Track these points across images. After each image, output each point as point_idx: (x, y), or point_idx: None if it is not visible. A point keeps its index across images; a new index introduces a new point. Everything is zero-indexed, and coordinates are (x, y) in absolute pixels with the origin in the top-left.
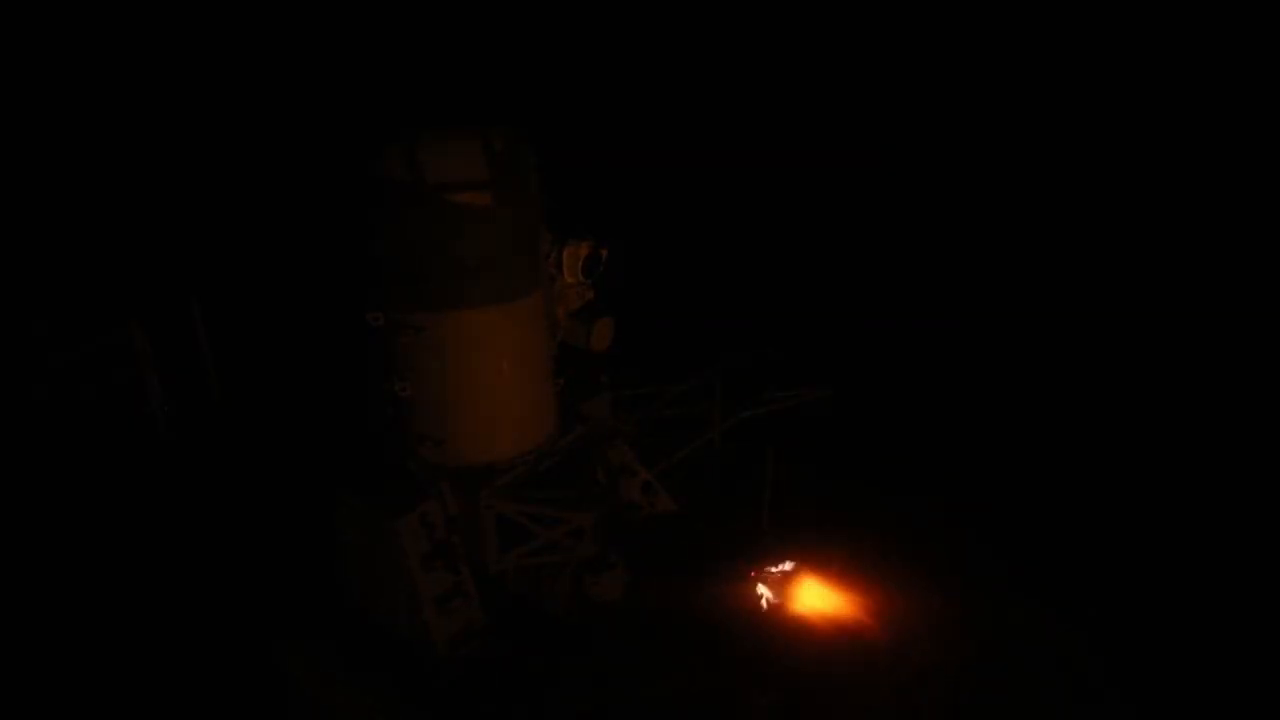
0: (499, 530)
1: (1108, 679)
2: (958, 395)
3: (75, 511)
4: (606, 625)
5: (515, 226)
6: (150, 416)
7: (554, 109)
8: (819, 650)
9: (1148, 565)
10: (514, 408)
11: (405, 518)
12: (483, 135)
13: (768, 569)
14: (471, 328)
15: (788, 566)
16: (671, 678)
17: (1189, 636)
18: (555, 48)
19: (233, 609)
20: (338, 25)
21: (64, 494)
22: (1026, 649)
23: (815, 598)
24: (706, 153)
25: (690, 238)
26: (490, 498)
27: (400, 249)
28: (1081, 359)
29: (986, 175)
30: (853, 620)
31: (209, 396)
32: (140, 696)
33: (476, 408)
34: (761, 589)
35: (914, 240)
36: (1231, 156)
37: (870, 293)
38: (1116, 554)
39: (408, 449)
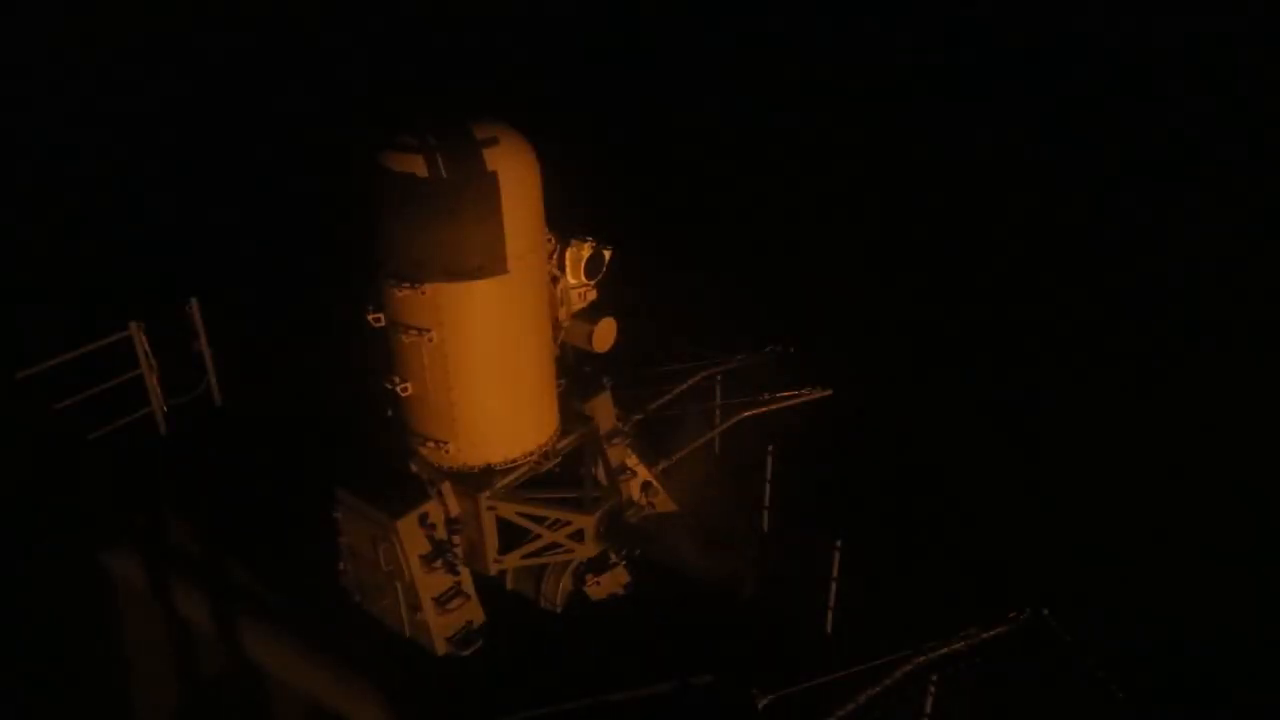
0: (499, 530)
1: (1101, 679)
2: (956, 395)
3: (76, 509)
4: (607, 624)
5: (468, 210)
6: (150, 416)
7: (556, 108)
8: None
9: (1143, 566)
10: (510, 406)
11: (405, 518)
12: (436, 131)
13: None
14: (450, 300)
15: None
16: (670, 677)
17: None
18: (556, 50)
19: (228, 607)
20: (324, 29)
21: (65, 493)
22: (1023, 649)
23: None
24: (704, 151)
25: (690, 237)
26: (491, 499)
27: (379, 232)
28: (1079, 359)
29: (987, 174)
30: None
31: (209, 396)
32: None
33: (471, 405)
34: None
35: (913, 239)
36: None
37: (870, 292)
38: (1116, 555)
39: (410, 449)
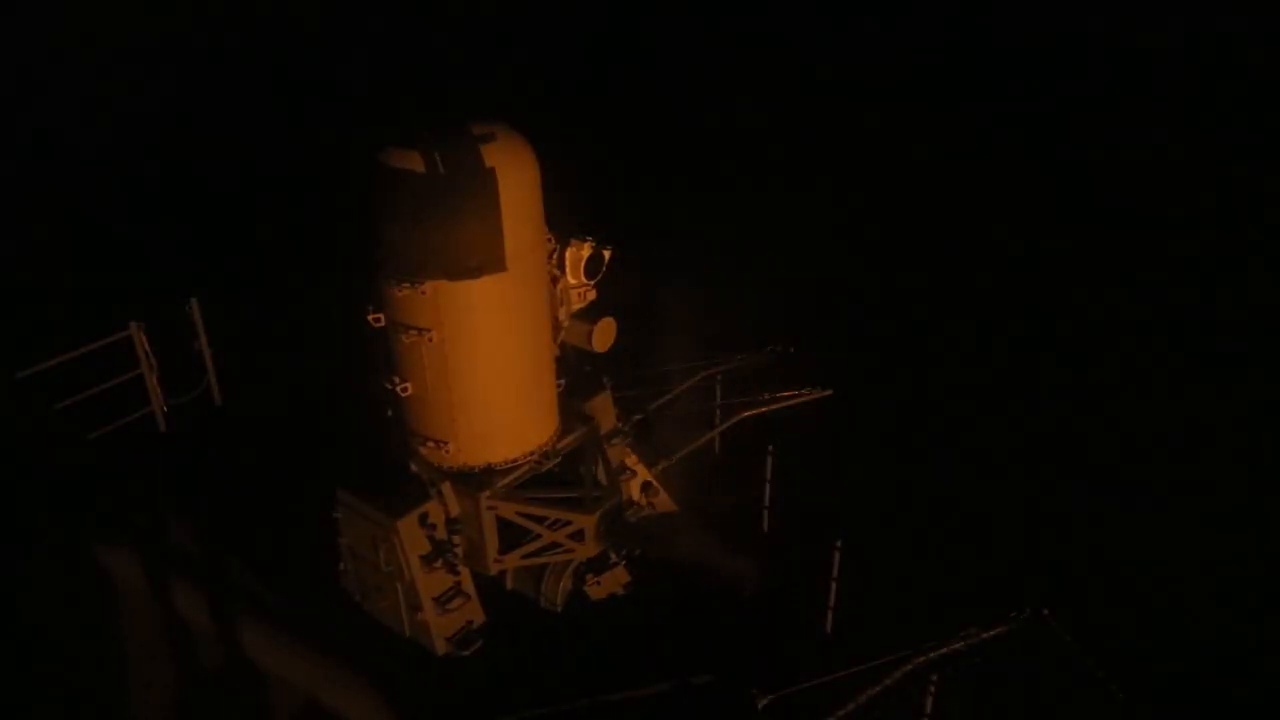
0: (500, 529)
1: (1101, 679)
2: (956, 395)
3: (77, 509)
4: (607, 624)
5: (466, 207)
6: (150, 416)
7: (556, 108)
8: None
9: (1143, 566)
10: (510, 406)
11: (405, 518)
12: (434, 129)
13: None
14: (449, 299)
15: None
16: (670, 676)
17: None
18: (556, 50)
19: (228, 608)
20: (316, 30)
21: (65, 493)
22: (1023, 649)
23: None
24: (705, 151)
25: (690, 237)
26: (491, 499)
27: (379, 232)
28: (1079, 358)
29: (987, 174)
30: None
31: (209, 396)
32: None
33: (471, 405)
34: None
35: (913, 239)
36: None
37: (870, 292)
38: (1116, 555)
39: (410, 449)
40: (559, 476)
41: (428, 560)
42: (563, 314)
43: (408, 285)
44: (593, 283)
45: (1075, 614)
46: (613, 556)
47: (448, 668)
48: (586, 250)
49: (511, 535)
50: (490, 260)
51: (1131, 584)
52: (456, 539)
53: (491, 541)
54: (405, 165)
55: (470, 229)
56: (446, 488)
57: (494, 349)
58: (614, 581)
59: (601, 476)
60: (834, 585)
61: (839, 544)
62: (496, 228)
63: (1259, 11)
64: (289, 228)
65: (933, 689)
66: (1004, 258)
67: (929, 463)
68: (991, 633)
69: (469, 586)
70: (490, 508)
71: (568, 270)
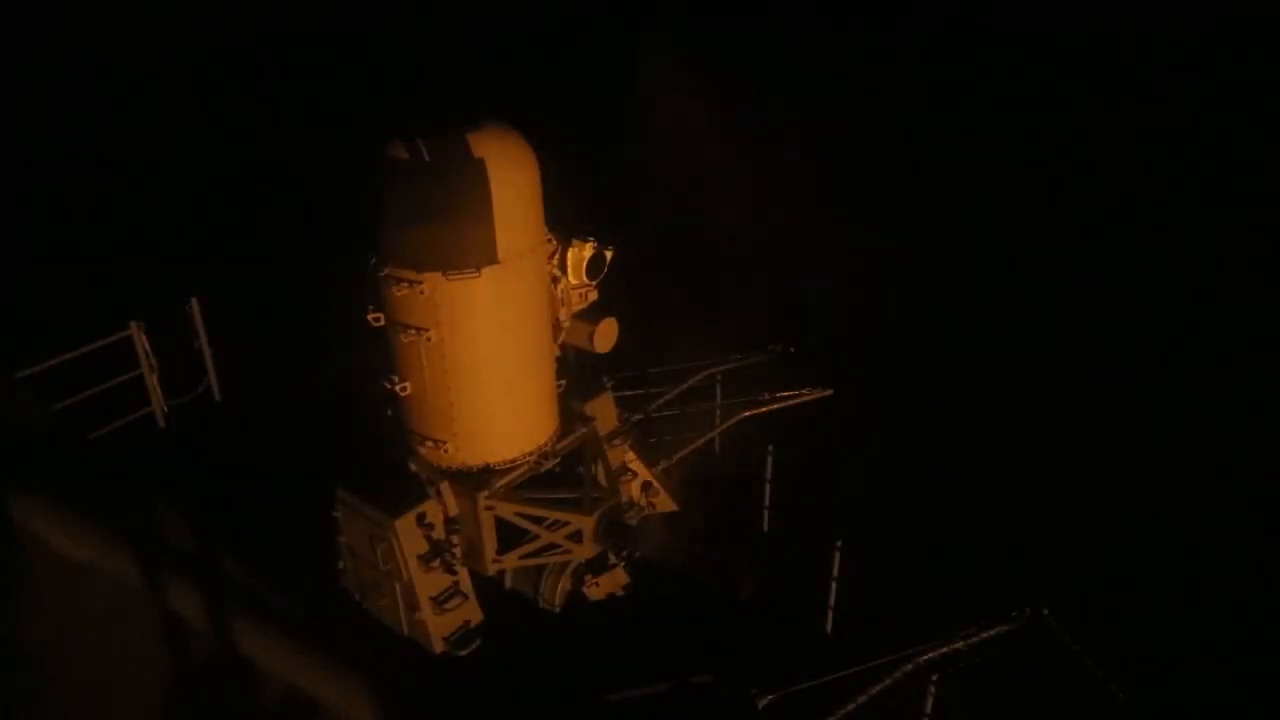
0: (499, 530)
1: (1101, 679)
2: (955, 394)
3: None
4: (606, 624)
5: (461, 201)
6: (150, 416)
7: (556, 107)
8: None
9: (1144, 566)
10: (508, 406)
11: (403, 517)
12: (430, 124)
13: None
14: (447, 298)
15: None
16: (670, 676)
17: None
18: (556, 49)
19: (227, 607)
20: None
21: (64, 493)
22: (1023, 649)
23: None
24: (705, 151)
25: (690, 237)
26: (490, 499)
27: (377, 230)
28: (1079, 359)
29: (988, 173)
30: None
31: (209, 396)
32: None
33: (469, 404)
34: None
35: (913, 239)
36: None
37: (870, 292)
38: (1116, 555)
39: (409, 448)
40: (558, 477)
41: (425, 560)
42: (564, 314)
43: (406, 285)
44: (594, 283)
45: (1075, 614)
46: (611, 558)
47: (446, 667)
48: (588, 251)
49: (510, 535)
50: (483, 254)
51: (1131, 584)
52: (455, 539)
53: (489, 541)
54: (393, 154)
55: (459, 219)
56: (445, 487)
57: (492, 349)
58: (613, 583)
59: (601, 477)
60: (834, 585)
61: (839, 544)
62: (487, 218)
63: (1259, 11)
64: (289, 228)
65: (933, 689)
66: (1004, 257)
67: (929, 463)
68: (991, 633)
69: (467, 586)
70: (488, 508)
71: (569, 271)
